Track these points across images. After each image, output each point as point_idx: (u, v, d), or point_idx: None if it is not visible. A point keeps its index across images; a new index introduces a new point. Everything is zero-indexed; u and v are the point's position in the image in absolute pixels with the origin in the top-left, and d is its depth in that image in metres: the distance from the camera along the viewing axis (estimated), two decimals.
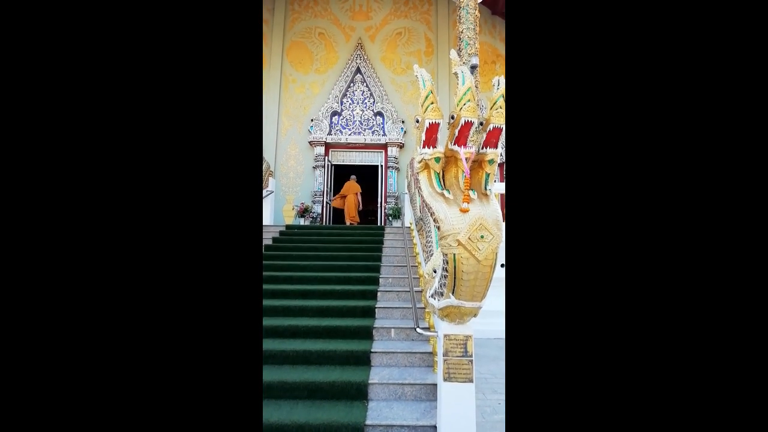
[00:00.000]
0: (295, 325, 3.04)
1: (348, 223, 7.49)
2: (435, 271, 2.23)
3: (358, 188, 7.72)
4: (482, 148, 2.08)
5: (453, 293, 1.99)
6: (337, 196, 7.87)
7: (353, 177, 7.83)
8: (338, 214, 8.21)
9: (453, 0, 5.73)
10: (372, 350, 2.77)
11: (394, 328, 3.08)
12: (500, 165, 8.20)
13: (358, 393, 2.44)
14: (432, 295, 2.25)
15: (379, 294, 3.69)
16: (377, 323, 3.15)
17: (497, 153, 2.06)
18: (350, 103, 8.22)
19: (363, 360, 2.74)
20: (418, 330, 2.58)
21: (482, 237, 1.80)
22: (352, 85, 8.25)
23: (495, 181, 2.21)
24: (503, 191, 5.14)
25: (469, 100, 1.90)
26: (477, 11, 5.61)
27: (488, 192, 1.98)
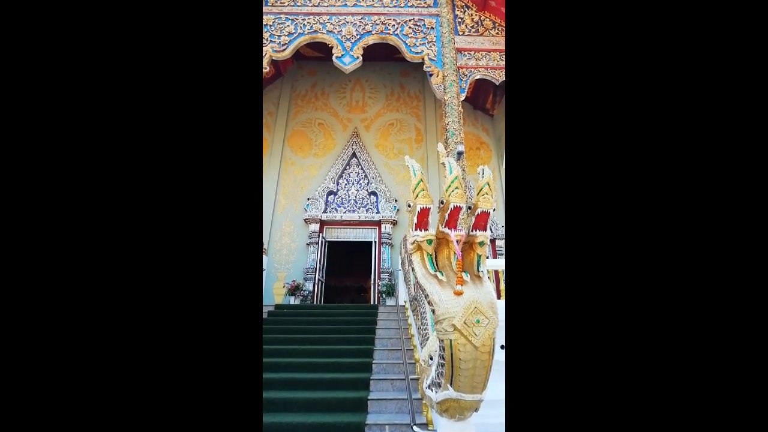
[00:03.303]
0: (278, 423, 2.72)
1: None
2: (431, 359, 2.11)
3: None
4: (472, 231, 2.16)
5: (451, 384, 1.86)
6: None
7: None
8: (330, 292, 7.98)
9: (439, 97, 6.53)
10: None
11: (388, 424, 2.77)
12: (491, 241, 8.37)
13: None
14: (429, 386, 2.09)
15: (371, 383, 3.39)
16: (370, 418, 2.83)
17: (486, 235, 2.14)
18: (346, 184, 8.67)
19: None
20: (414, 428, 2.33)
21: (478, 321, 1.75)
22: (348, 167, 8.82)
23: (487, 257, 2.24)
24: (495, 268, 5.15)
25: (456, 188, 2.04)
26: (460, 107, 6.36)
27: (481, 274, 1.99)
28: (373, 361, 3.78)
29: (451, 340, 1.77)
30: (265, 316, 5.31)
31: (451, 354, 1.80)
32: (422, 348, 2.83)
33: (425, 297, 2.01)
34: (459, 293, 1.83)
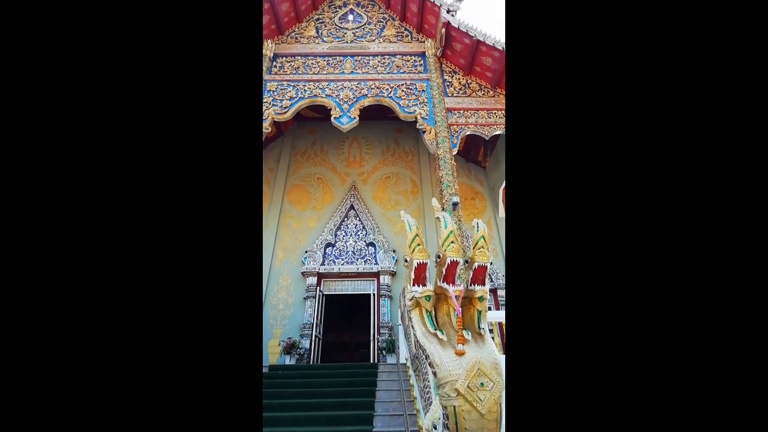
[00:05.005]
0: None
1: None
2: (435, 428, 1.95)
3: None
4: (471, 285, 2.13)
5: None
6: None
7: None
8: (327, 349, 7.59)
9: (432, 152, 6.84)
10: None
11: None
12: (492, 291, 8.18)
13: None
14: None
15: None
16: None
17: (485, 290, 2.10)
18: (344, 235, 8.70)
19: None
20: None
21: (482, 384, 1.65)
22: (346, 219, 8.93)
23: (489, 307, 2.18)
24: (498, 320, 4.97)
25: (452, 242, 2.06)
26: (453, 160, 6.64)
27: (482, 331, 1.93)
28: (374, 430, 3.48)
29: (454, 407, 1.66)
30: None
31: (456, 423, 1.66)
32: (425, 414, 2.62)
33: (425, 358, 1.91)
34: (461, 353, 1.75)
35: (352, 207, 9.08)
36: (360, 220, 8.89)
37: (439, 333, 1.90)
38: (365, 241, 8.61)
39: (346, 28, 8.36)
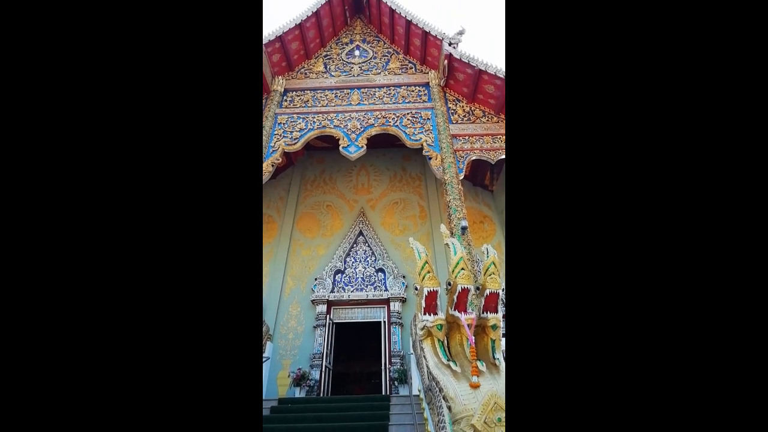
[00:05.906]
0: None
1: None
2: None
3: None
4: (483, 313, 2.09)
5: None
6: None
7: None
8: (338, 380, 7.37)
9: (439, 178, 6.92)
10: None
11: None
12: (505, 317, 7.94)
13: None
14: None
15: None
16: None
17: (498, 317, 2.06)
18: (353, 262, 8.68)
19: None
20: None
21: (499, 420, 1.58)
22: (355, 245, 8.94)
23: (504, 335, 2.12)
24: None
25: (462, 269, 2.05)
26: (460, 185, 6.69)
27: (497, 361, 1.87)
28: None
29: None
30: (266, 413, 4.84)
31: None
32: None
33: (439, 390, 1.85)
34: (476, 385, 1.69)
35: (361, 233, 9.11)
36: (369, 246, 8.89)
37: (452, 364, 1.85)
38: (374, 267, 8.56)
39: (353, 63, 8.77)
